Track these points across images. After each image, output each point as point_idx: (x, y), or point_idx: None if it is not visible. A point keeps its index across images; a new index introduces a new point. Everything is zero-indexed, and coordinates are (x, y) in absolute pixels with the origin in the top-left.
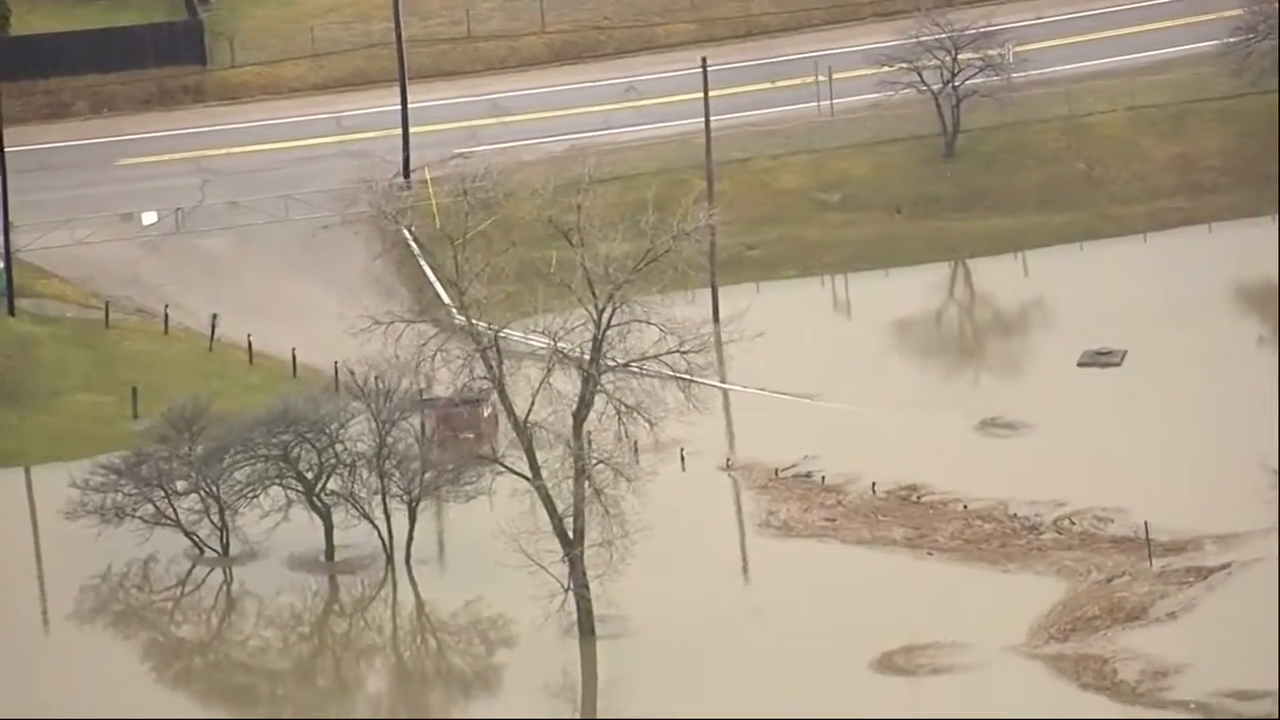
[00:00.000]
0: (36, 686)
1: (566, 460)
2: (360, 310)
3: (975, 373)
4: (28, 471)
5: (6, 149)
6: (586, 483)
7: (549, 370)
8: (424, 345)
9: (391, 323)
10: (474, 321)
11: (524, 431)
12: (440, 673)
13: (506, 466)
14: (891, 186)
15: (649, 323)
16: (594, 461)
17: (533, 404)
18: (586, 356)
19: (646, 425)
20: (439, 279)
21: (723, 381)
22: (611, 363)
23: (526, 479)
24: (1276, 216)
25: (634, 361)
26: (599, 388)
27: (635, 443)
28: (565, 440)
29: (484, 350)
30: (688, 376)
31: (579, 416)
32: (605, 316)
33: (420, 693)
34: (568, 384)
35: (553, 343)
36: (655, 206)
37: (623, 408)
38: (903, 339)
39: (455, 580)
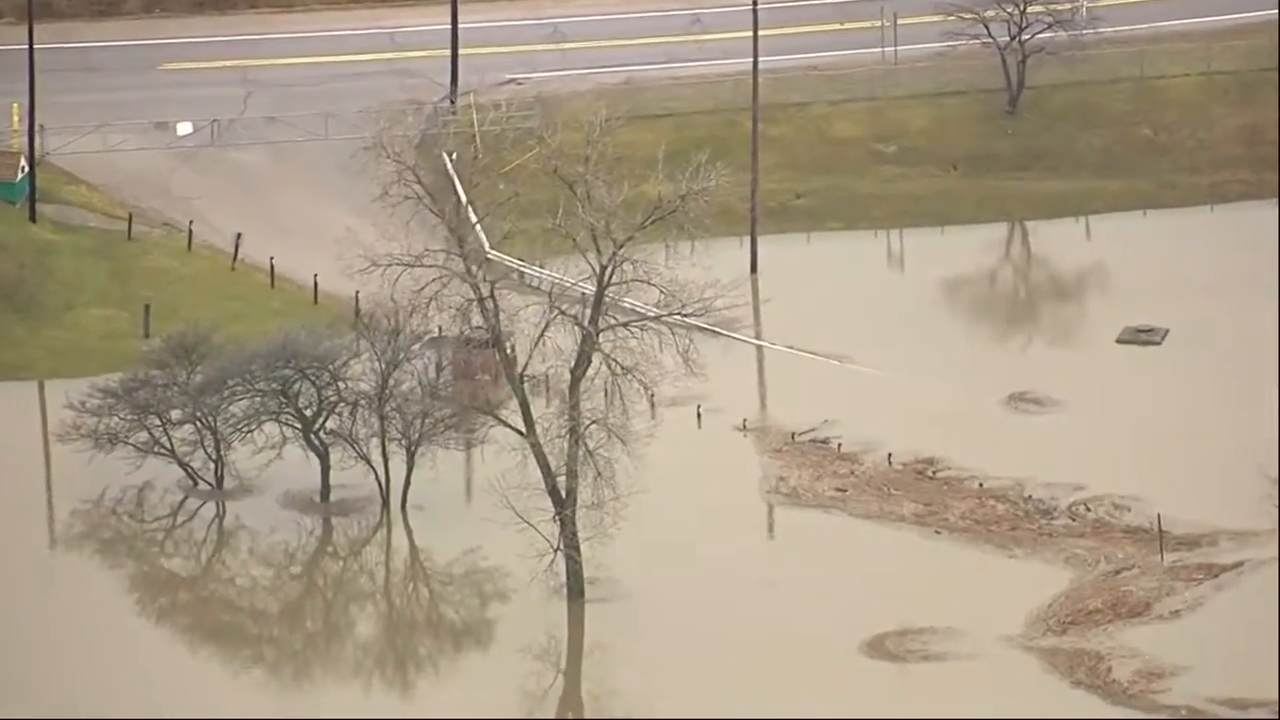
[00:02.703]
0: (16, 611)
1: (563, 417)
2: (381, 241)
3: (1014, 342)
4: (41, 386)
5: (53, 46)
6: (581, 443)
7: (545, 326)
8: (420, 290)
9: (389, 265)
10: (474, 270)
11: (519, 385)
12: (431, 622)
13: (500, 420)
14: (950, 141)
15: (649, 283)
16: (588, 422)
17: (529, 359)
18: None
19: (641, 388)
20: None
21: (757, 336)
22: (612, 320)
23: (520, 433)
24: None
25: (632, 323)
26: (596, 346)
27: (652, 395)
28: (562, 396)
29: (482, 299)
30: (718, 330)
31: (576, 374)
32: (606, 274)
33: (409, 641)
34: (570, 340)
35: (550, 299)
36: (706, 147)
37: (619, 369)
38: (951, 299)
39: (451, 529)
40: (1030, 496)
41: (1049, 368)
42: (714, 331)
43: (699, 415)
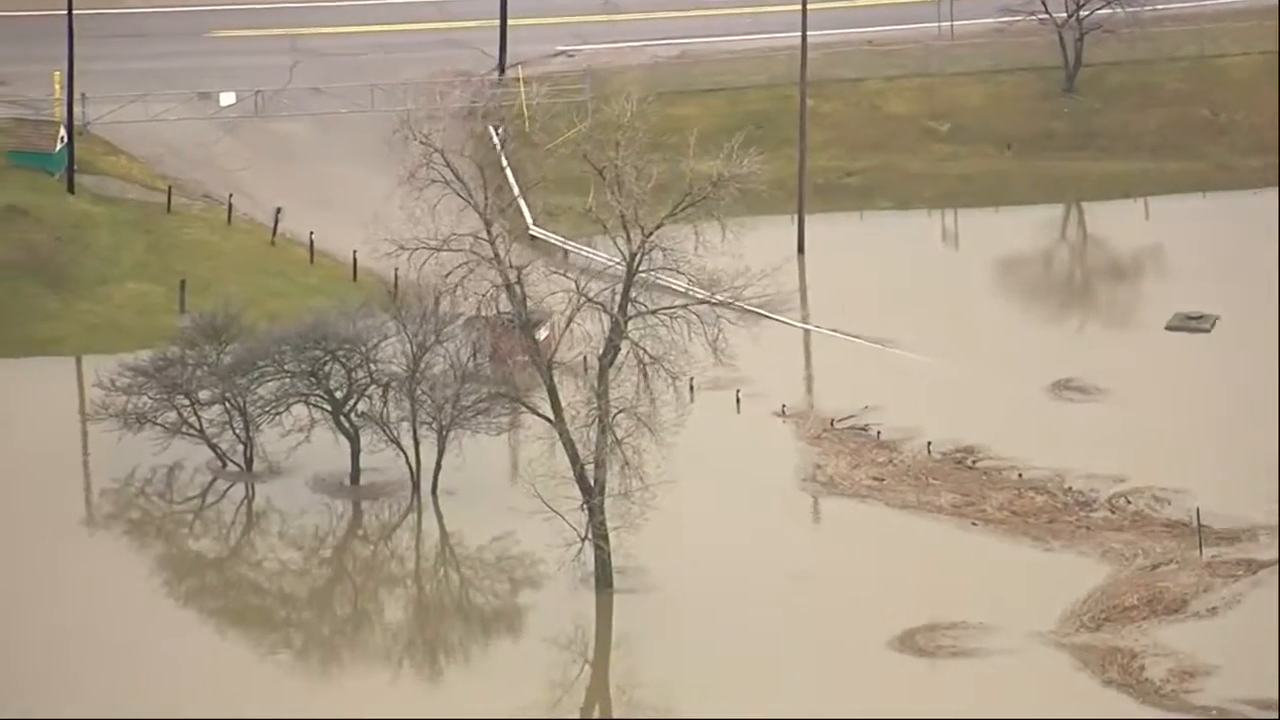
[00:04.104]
0: (45, 590)
1: (592, 404)
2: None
3: (1063, 327)
4: (78, 361)
5: (99, 12)
6: (609, 431)
7: (573, 314)
8: (447, 275)
9: (415, 249)
10: (502, 255)
11: (547, 371)
12: (461, 609)
13: (529, 407)
14: (1004, 120)
15: (678, 271)
16: (615, 411)
17: (556, 347)
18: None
19: (669, 377)
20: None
21: (803, 318)
22: (641, 308)
23: (549, 420)
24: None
25: (660, 311)
26: (624, 334)
27: (691, 380)
28: (591, 384)
29: (509, 285)
30: (762, 312)
31: (603, 362)
32: (635, 261)
33: (438, 627)
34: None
35: (577, 287)
36: (757, 123)
37: (647, 358)
38: (1003, 281)
39: (482, 514)
40: (1070, 488)
41: (1096, 354)
42: (756, 313)
43: (738, 400)
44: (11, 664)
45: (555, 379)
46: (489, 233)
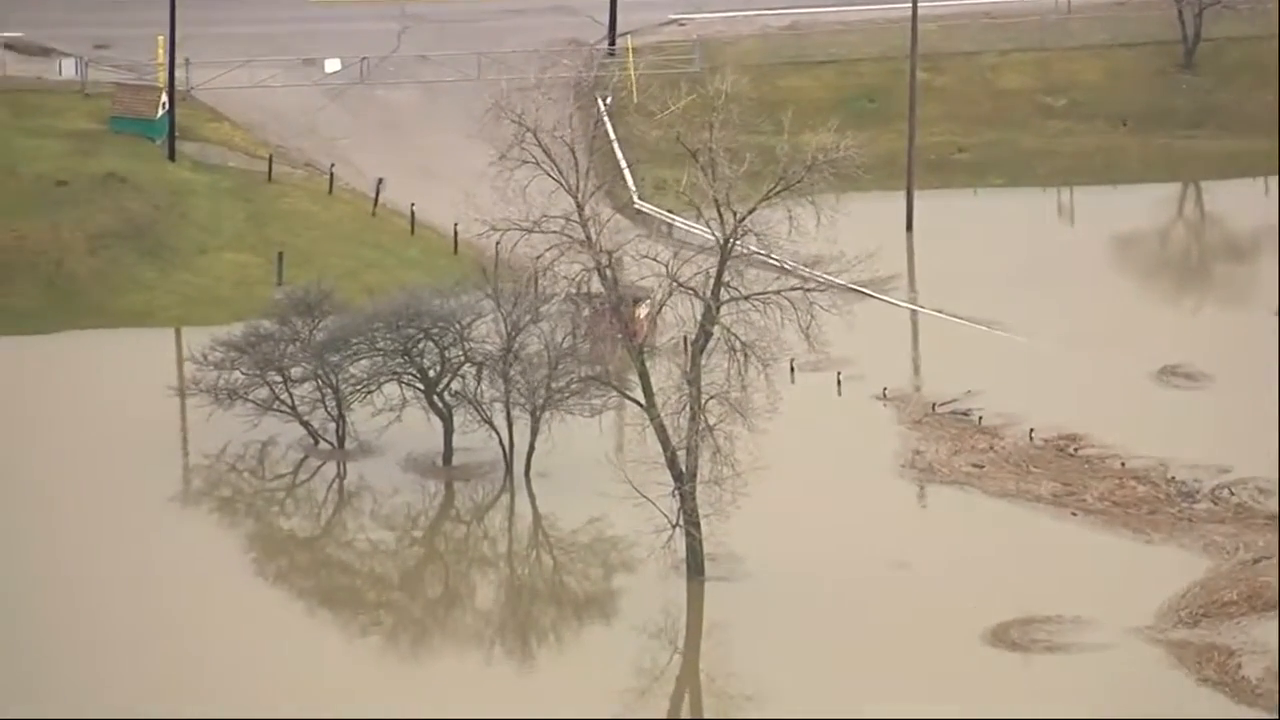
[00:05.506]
0: (136, 565)
1: (683, 390)
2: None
3: (1173, 311)
4: (178, 333)
5: None
6: (700, 417)
7: (663, 300)
8: (538, 258)
9: (507, 230)
10: (594, 236)
11: (639, 356)
12: (553, 592)
13: (621, 391)
14: (1121, 95)
15: (771, 258)
16: (707, 397)
17: (648, 331)
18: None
19: (760, 366)
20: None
21: (911, 299)
22: (736, 292)
23: (640, 405)
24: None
25: (754, 296)
26: (716, 320)
27: (792, 362)
28: (683, 369)
29: (600, 268)
30: (867, 291)
31: (696, 347)
32: (729, 246)
33: (530, 611)
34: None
35: (668, 271)
36: (870, 96)
37: (738, 344)
38: (1115, 262)
39: (575, 497)
40: (1173, 478)
41: (1207, 338)
42: (860, 292)
43: (839, 382)
44: (99, 641)
45: (647, 363)
46: (581, 215)
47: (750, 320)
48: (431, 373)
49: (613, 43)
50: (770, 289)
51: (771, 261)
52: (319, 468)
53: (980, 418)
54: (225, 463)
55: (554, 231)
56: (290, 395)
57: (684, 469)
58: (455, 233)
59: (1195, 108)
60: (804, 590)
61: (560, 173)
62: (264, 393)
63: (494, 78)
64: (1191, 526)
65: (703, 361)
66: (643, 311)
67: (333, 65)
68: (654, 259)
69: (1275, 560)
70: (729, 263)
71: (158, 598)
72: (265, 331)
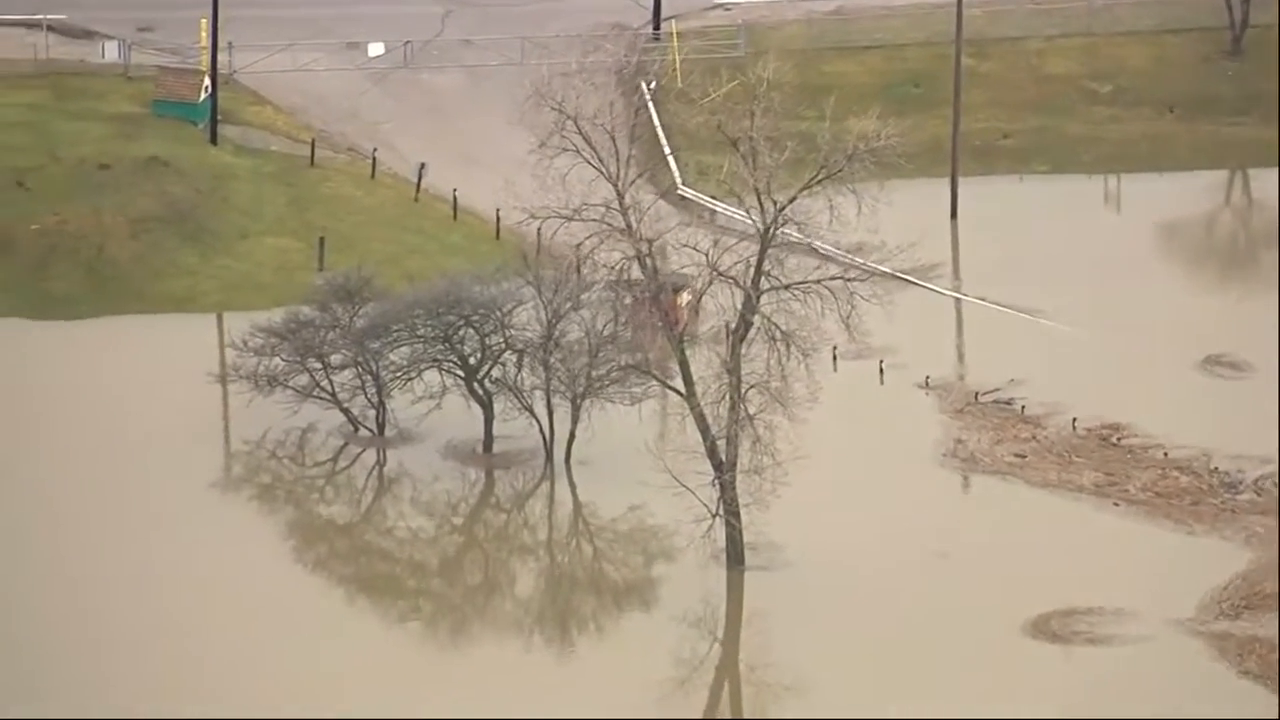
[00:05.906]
0: (176, 550)
1: (723, 379)
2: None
3: (1218, 299)
4: (220, 318)
5: None
6: (740, 406)
7: (704, 288)
8: (578, 246)
9: (547, 218)
10: (634, 225)
11: (679, 345)
12: (593, 580)
13: (660, 380)
14: (1167, 82)
15: (812, 244)
16: (746, 386)
17: (687, 320)
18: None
19: (800, 356)
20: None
21: (955, 286)
22: (776, 281)
23: (680, 394)
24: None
25: (794, 285)
26: (756, 309)
27: (835, 349)
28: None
29: (641, 257)
30: (910, 278)
31: (735, 336)
32: (769, 235)
33: (570, 599)
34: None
35: (708, 260)
36: (915, 81)
37: (778, 334)
38: (1161, 249)
39: (614, 486)
40: (1216, 469)
41: (1251, 328)
42: (903, 279)
43: (881, 371)
44: (136, 627)
45: (688, 352)
46: (621, 204)
47: (790, 309)
48: (472, 360)
49: (657, 27)
50: (810, 278)
51: (817, 249)
52: (359, 455)
53: (1023, 407)
54: (265, 449)
55: (594, 220)
56: (330, 382)
57: (724, 458)
58: (498, 218)
59: (1242, 94)
60: (844, 580)
61: (600, 160)
62: (304, 379)
63: (537, 62)
64: (1234, 518)
65: (743, 351)
66: (684, 299)
67: (376, 49)
68: (694, 248)
69: None
70: (769, 251)
71: (198, 584)
72: (306, 318)
